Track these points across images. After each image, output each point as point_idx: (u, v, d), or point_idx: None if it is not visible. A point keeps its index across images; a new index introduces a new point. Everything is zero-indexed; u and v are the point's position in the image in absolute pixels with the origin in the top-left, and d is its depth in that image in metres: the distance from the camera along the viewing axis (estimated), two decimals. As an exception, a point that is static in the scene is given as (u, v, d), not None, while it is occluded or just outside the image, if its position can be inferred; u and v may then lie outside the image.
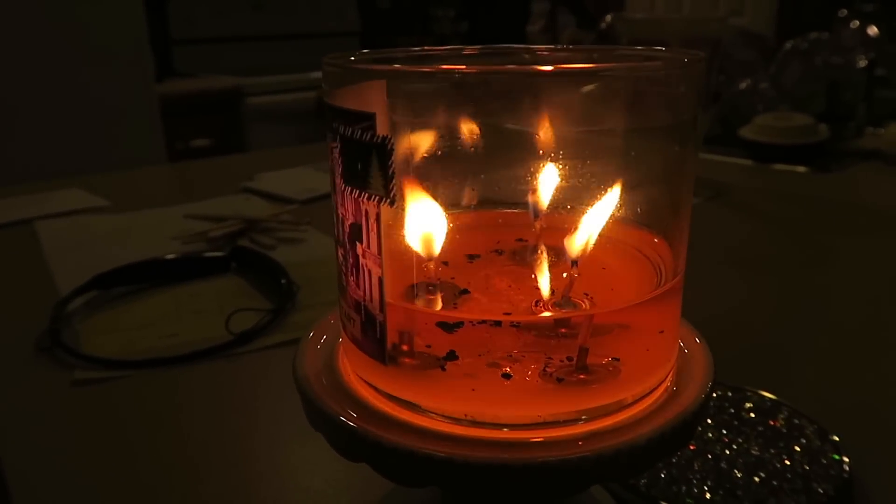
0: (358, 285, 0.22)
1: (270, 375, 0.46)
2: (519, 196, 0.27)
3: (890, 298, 0.57)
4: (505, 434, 0.21)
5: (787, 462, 0.33)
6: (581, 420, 0.22)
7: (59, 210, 0.80)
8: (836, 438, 0.34)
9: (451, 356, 0.22)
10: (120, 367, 0.46)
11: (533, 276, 0.24)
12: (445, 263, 0.26)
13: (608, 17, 1.01)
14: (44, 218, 0.77)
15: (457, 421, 0.22)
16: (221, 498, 0.35)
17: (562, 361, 0.22)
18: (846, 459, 0.33)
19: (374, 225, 0.20)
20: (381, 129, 0.19)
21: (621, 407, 0.22)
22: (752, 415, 0.36)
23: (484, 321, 0.22)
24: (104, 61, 1.61)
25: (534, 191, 0.26)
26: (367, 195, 0.20)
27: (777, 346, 0.49)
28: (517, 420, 0.21)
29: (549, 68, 0.20)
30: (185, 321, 0.52)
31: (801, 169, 0.94)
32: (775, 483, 0.31)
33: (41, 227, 0.74)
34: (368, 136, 0.19)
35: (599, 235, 0.23)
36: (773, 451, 0.33)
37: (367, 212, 0.21)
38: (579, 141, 0.25)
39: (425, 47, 0.27)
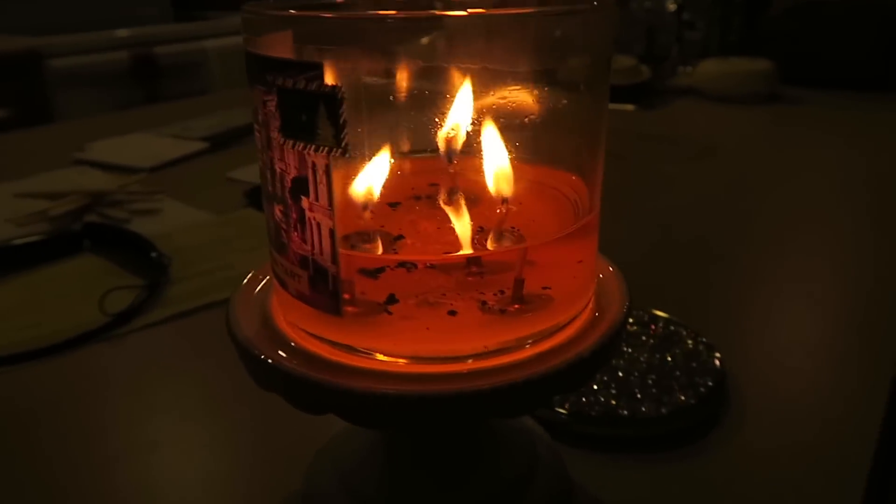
0: (304, 240, 0.22)
1: (158, 353, 0.44)
2: (429, 142, 0.27)
3: (716, 214, 0.65)
4: (469, 365, 0.22)
5: (672, 363, 0.37)
6: (527, 345, 0.23)
7: None
8: (706, 340, 0.39)
9: (392, 300, 0.22)
10: (-20, 365, 0.41)
11: (459, 216, 0.25)
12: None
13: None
14: None
15: (414, 360, 0.22)
16: (131, 491, 0.33)
17: (495, 295, 0.23)
18: (718, 355, 0.38)
19: (324, 177, 0.20)
20: (328, 77, 0.19)
21: (557, 329, 0.24)
22: (635, 327, 0.41)
23: (433, 265, 0.22)
24: None
25: (448, 135, 0.27)
26: (313, 147, 0.20)
27: (637, 266, 0.54)
28: (470, 352, 0.23)
29: (481, 11, 0.21)
30: (46, 309, 0.48)
31: (630, 107, 1.03)
32: (665, 382, 0.36)
33: None
34: (315, 87, 0.19)
35: (518, 176, 0.25)
36: (658, 356, 0.38)
37: (314, 164, 0.20)
38: (493, 84, 0.26)
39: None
